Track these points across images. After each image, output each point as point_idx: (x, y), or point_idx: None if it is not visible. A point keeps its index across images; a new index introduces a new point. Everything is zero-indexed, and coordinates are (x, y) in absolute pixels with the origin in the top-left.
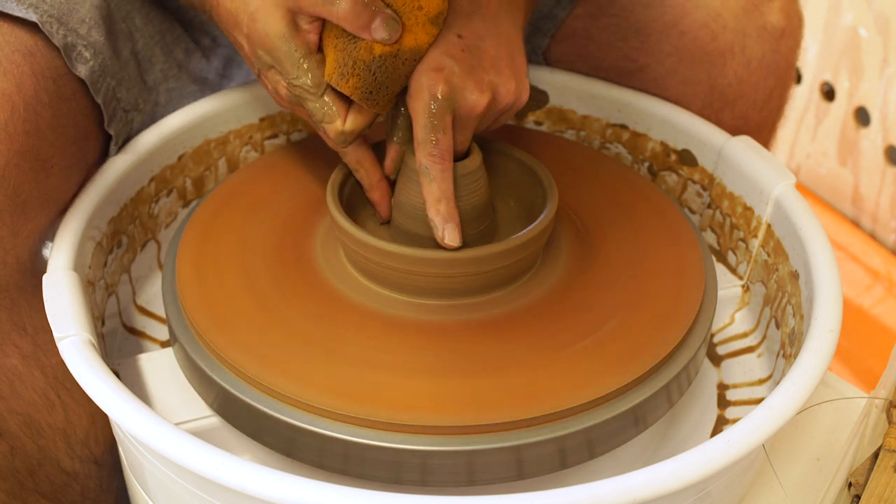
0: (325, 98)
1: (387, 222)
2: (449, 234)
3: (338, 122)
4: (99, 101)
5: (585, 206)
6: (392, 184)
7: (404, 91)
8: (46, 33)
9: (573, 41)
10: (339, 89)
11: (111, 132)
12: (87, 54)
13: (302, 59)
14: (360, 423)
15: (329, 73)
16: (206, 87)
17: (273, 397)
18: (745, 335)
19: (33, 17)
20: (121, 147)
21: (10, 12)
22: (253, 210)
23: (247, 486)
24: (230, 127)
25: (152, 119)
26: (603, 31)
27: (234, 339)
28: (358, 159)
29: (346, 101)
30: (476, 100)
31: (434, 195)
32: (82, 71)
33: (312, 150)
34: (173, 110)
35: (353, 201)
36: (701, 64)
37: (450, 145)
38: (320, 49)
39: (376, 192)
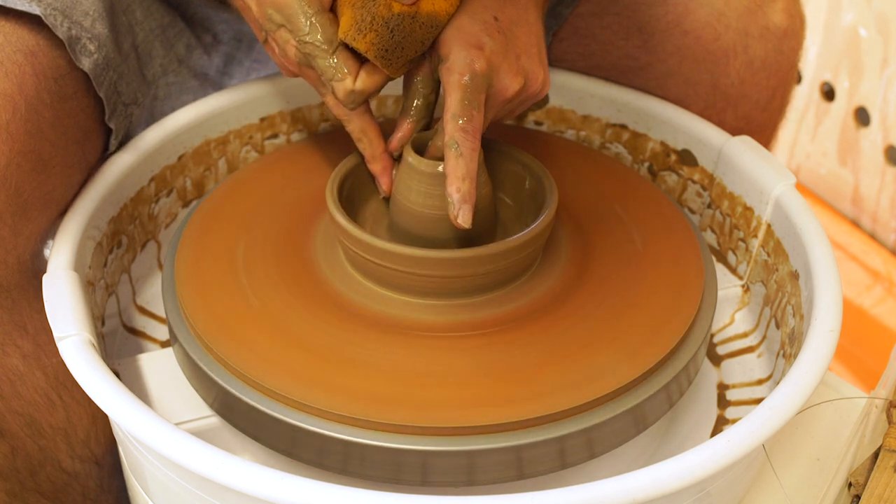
0: (337, 56)
1: (387, 199)
2: (463, 215)
3: (348, 81)
4: (101, 94)
5: (585, 206)
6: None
7: (424, 70)
8: (50, 26)
9: (576, 39)
10: (354, 46)
11: (111, 126)
12: (91, 47)
13: (313, 16)
14: (360, 423)
15: (345, 30)
16: (206, 83)
17: (273, 397)
18: (745, 335)
19: (37, 10)
20: (120, 142)
21: (13, 6)
22: (253, 210)
23: (247, 486)
24: (230, 127)
25: (150, 113)
26: (606, 29)
27: (234, 339)
28: (362, 128)
29: (358, 60)
30: (509, 82)
31: (459, 171)
32: (86, 64)
33: (312, 151)
34: (173, 104)
35: (353, 201)
36: (703, 63)
37: (482, 124)
38: (332, 12)
39: (378, 164)
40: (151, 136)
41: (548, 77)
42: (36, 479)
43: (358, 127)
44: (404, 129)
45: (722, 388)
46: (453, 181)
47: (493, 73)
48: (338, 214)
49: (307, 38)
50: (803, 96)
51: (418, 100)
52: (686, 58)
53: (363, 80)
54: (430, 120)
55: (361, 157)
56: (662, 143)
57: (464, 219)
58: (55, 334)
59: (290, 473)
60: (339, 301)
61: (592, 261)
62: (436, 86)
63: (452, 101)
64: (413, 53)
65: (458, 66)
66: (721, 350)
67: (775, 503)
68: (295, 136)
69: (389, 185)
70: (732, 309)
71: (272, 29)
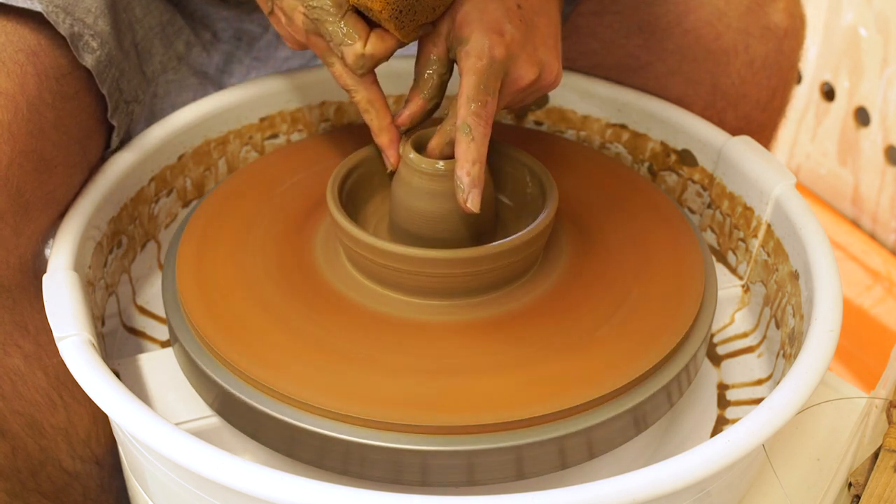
0: (346, 20)
1: (391, 175)
2: (472, 199)
3: (358, 45)
4: (104, 91)
5: (585, 206)
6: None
7: (440, 49)
8: (52, 23)
9: (577, 38)
10: (368, 5)
11: (114, 123)
12: (94, 44)
13: None
14: (360, 423)
15: None
16: (206, 81)
17: (273, 397)
18: (745, 335)
19: (38, 7)
20: (122, 139)
21: (14, 3)
22: (253, 210)
23: (247, 486)
24: (230, 127)
25: (150, 111)
26: (607, 28)
27: (234, 339)
28: (369, 99)
29: (367, 25)
30: (525, 73)
31: (470, 156)
32: (89, 61)
33: (312, 151)
34: (172, 102)
35: (354, 201)
36: (704, 63)
37: (495, 110)
38: None
39: (385, 136)
40: (151, 136)
41: (561, 69)
42: (37, 479)
43: (365, 98)
44: (415, 105)
45: (722, 388)
46: (464, 164)
47: (511, 61)
48: (338, 214)
49: (315, 3)
50: (803, 96)
51: (433, 78)
52: (686, 57)
53: (373, 45)
54: (441, 100)
55: (362, 156)
56: (662, 143)
57: (473, 203)
58: (55, 334)
59: (290, 473)
60: (339, 301)
61: (592, 261)
62: (451, 65)
63: (468, 84)
64: (424, 19)
65: (477, 50)
66: (721, 350)
67: (775, 503)
68: (295, 136)
69: (396, 157)
70: (732, 309)
71: None
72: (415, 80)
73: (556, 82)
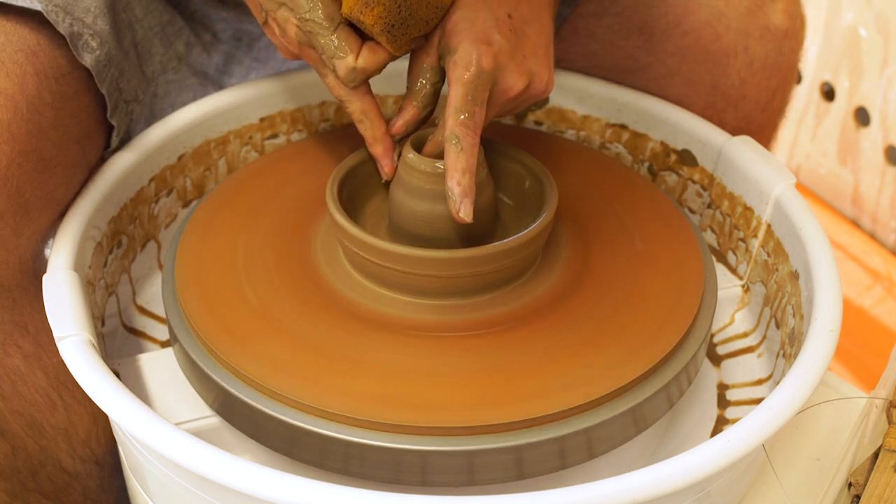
0: (338, 33)
1: (388, 182)
2: (464, 209)
3: (350, 58)
4: (103, 90)
5: (585, 207)
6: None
7: (431, 58)
8: (52, 22)
9: (576, 39)
10: (360, 19)
11: (113, 123)
12: (93, 43)
13: None
14: (360, 423)
15: (350, 4)
16: (206, 82)
17: (273, 397)
18: (745, 335)
19: (38, 6)
20: (121, 139)
21: (14, 3)
22: (252, 210)
23: (247, 486)
24: (230, 127)
25: (150, 111)
26: (606, 29)
27: (233, 339)
28: (363, 109)
29: (360, 38)
30: (514, 82)
31: (460, 166)
32: (88, 60)
33: (312, 151)
34: (172, 102)
35: (354, 201)
36: (704, 64)
37: (483, 120)
38: None
39: (380, 146)
40: (151, 136)
41: (552, 78)
42: (36, 479)
43: (359, 108)
44: (409, 114)
45: (722, 388)
46: (453, 175)
47: (499, 71)
48: (338, 214)
49: (308, 16)
50: (803, 96)
51: (425, 87)
52: (686, 58)
53: (365, 58)
54: (434, 107)
55: (362, 156)
56: (662, 143)
57: (465, 212)
58: (55, 334)
59: (290, 473)
60: (338, 301)
61: (592, 261)
62: (443, 74)
63: (455, 95)
64: (416, 32)
65: (465, 60)
66: (721, 350)
67: (775, 503)
68: (295, 136)
69: (392, 167)
70: (732, 309)
71: (273, 8)
72: (408, 88)
73: (546, 91)
